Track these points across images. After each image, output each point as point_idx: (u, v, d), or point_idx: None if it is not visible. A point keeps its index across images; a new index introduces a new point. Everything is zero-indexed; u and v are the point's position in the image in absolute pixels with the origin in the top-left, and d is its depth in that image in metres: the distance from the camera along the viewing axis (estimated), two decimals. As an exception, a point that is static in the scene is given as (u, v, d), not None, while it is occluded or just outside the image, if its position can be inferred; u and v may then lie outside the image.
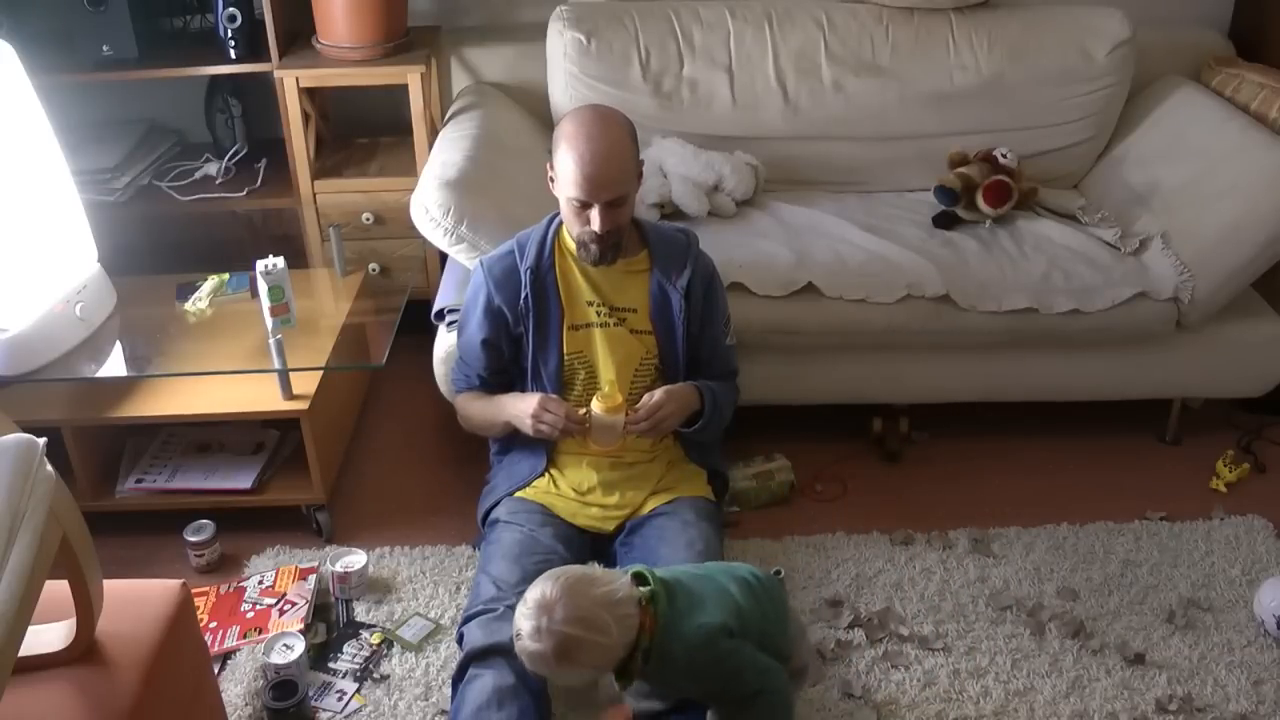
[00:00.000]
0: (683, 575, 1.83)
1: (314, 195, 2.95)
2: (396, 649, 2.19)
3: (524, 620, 1.70)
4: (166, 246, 2.98)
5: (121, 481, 2.49)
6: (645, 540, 2.14)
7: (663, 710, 1.94)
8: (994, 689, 2.09)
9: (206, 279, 2.68)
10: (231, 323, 2.57)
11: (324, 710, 2.07)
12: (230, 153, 3.09)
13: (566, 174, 2.06)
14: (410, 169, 2.92)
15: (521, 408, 2.18)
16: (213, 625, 2.23)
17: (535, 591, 1.71)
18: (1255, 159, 2.60)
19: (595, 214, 2.07)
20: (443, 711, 2.04)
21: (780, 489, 2.59)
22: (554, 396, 2.18)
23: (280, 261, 2.44)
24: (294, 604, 2.26)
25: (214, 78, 3.00)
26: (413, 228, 2.47)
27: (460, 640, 2.04)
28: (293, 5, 2.90)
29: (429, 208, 2.40)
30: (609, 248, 2.13)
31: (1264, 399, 2.77)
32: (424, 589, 2.33)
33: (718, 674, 1.75)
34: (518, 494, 2.25)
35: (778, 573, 1.90)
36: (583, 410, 2.14)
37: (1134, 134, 2.97)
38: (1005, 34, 2.92)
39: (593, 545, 2.24)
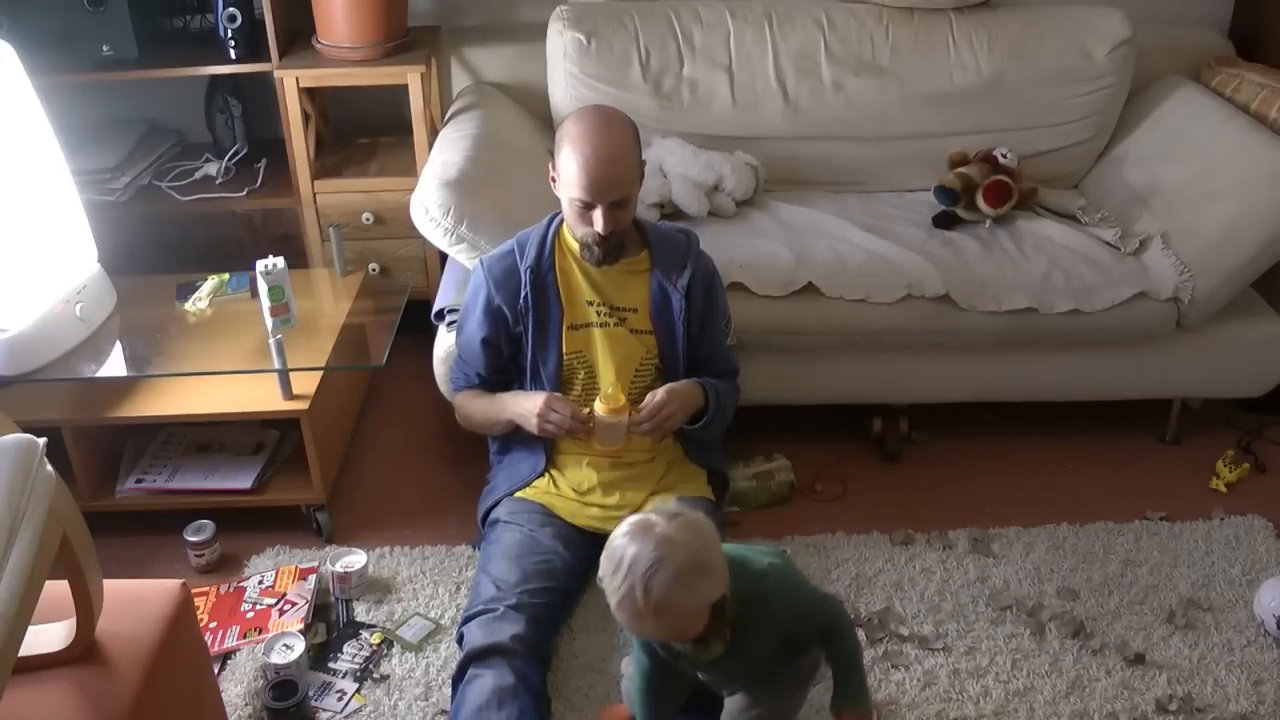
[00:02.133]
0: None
1: (314, 195, 2.95)
2: (396, 649, 2.19)
3: (634, 545, 1.53)
4: (166, 246, 2.98)
5: (121, 481, 2.49)
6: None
7: None
8: (994, 689, 2.09)
9: (206, 279, 2.68)
10: (231, 323, 2.57)
11: (324, 710, 2.07)
12: (230, 153, 3.09)
13: (570, 175, 2.06)
14: (410, 169, 2.92)
15: (527, 406, 2.18)
16: (213, 625, 2.23)
17: (627, 527, 1.56)
18: (1255, 159, 2.60)
19: (598, 215, 2.07)
20: (443, 711, 2.04)
21: (780, 489, 2.59)
22: (559, 395, 2.18)
23: (280, 261, 2.43)
24: (294, 604, 2.26)
25: (214, 78, 3.00)
26: (413, 228, 2.47)
27: (460, 640, 2.04)
28: (293, 5, 2.90)
29: (429, 208, 2.40)
30: (612, 248, 2.14)
31: (1264, 399, 2.77)
32: (424, 589, 2.33)
33: (794, 615, 1.69)
34: (518, 494, 2.26)
35: (784, 552, 1.88)
36: (586, 410, 2.14)
37: (1134, 134, 2.97)
38: (1005, 34, 2.92)
39: (593, 545, 2.24)
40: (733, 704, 1.85)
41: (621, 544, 1.56)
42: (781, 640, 1.72)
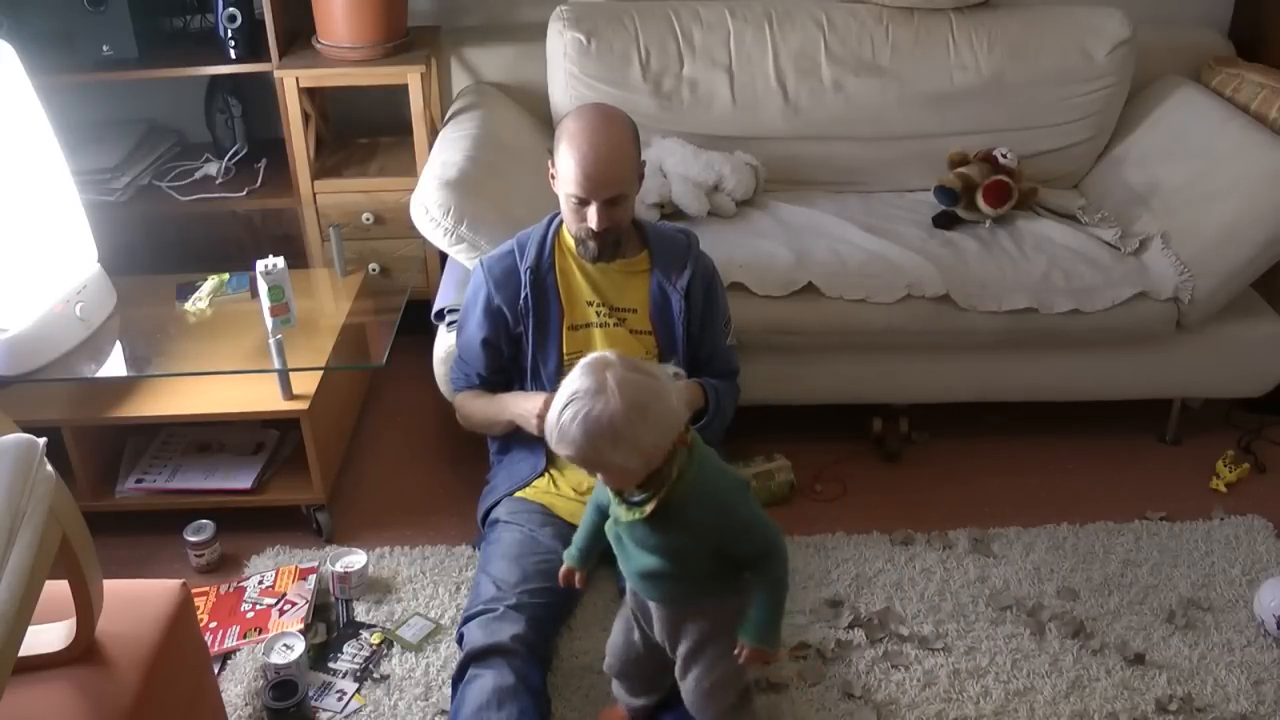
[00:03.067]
0: None
1: (314, 195, 2.95)
2: (396, 649, 2.19)
3: (577, 382, 1.55)
4: (166, 246, 2.98)
5: (121, 481, 2.49)
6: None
7: (654, 707, 1.96)
8: (994, 689, 2.09)
9: (206, 279, 2.68)
10: (231, 323, 2.57)
11: (324, 710, 2.07)
12: (230, 153, 3.09)
13: (566, 171, 2.07)
14: (410, 169, 2.92)
15: (527, 407, 2.18)
16: (213, 625, 2.23)
17: (580, 367, 1.58)
18: (1255, 159, 2.60)
19: (593, 211, 2.07)
20: (443, 711, 2.04)
21: (780, 489, 2.59)
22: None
23: (280, 261, 2.43)
24: (294, 604, 2.26)
25: (214, 78, 3.00)
26: (413, 228, 2.47)
27: (460, 640, 2.04)
28: (293, 5, 2.90)
29: (429, 208, 2.40)
30: (607, 245, 2.14)
31: (1264, 399, 2.77)
32: (424, 589, 2.33)
33: (735, 521, 1.66)
34: (518, 494, 2.26)
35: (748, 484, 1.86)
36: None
37: (1134, 134, 2.97)
38: (1005, 34, 2.92)
39: (593, 545, 2.25)
40: (685, 681, 1.84)
41: (575, 374, 1.59)
42: (715, 542, 1.67)
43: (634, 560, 1.74)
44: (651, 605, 1.81)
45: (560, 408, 1.57)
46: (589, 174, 2.04)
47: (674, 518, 1.64)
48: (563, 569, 1.88)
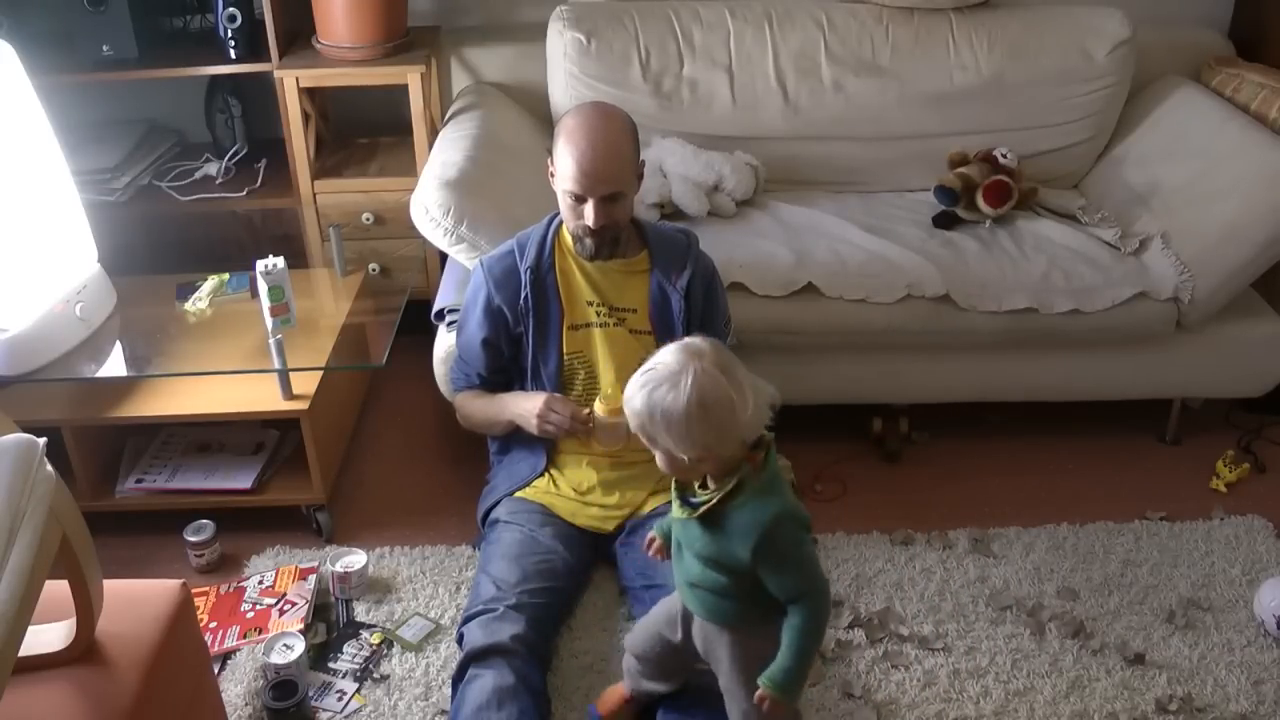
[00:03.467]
0: None
1: (314, 195, 2.95)
2: (396, 649, 2.19)
3: (667, 358, 1.60)
4: (166, 246, 2.98)
5: (121, 481, 2.49)
6: (646, 540, 2.14)
7: (660, 697, 1.96)
8: (994, 689, 2.09)
9: (206, 279, 2.68)
10: (231, 323, 2.57)
11: (324, 710, 2.07)
12: (230, 153, 3.09)
13: (564, 167, 2.07)
14: (410, 169, 2.92)
15: (527, 407, 2.18)
16: (213, 625, 2.23)
17: (677, 345, 1.62)
18: (1255, 159, 2.60)
19: (589, 209, 2.08)
20: (443, 711, 2.04)
21: (780, 489, 2.58)
22: (560, 395, 2.18)
23: (280, 261, 2.43)
24: (294, 604, 2.26)
25: (214, 78, 3.00)
26: (413, 228, 2.47)
27: (460, 640, 2.04)
28: (293, 5, 2.90)
29: (429, 208, 2.40)
30: (604, 243, 2.14)
31: (1264, 399, 2.77)
32: (424, 589, 2.33)
33: (782, 553, 1.65)
34: (518, 494, 2.26)
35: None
36: (586, 411, 2.14)
37: (1134, 134, 2.97)
38: (1005, 34, 2.92)
39: (593, 545, 2.25)
40: (729, 701, 1.84)
41: (670, 349, 1.63)
42: (752, 564, 1.65)
43: (685, 567, 1.75)
44: (695, 619, 1.81)
45: (641, 374, 1.62)
46: (586, 170, 2.05)
47: (719, 525, 1.66)
48: (651, 534, 1.88)
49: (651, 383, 1.60)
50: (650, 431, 1.62)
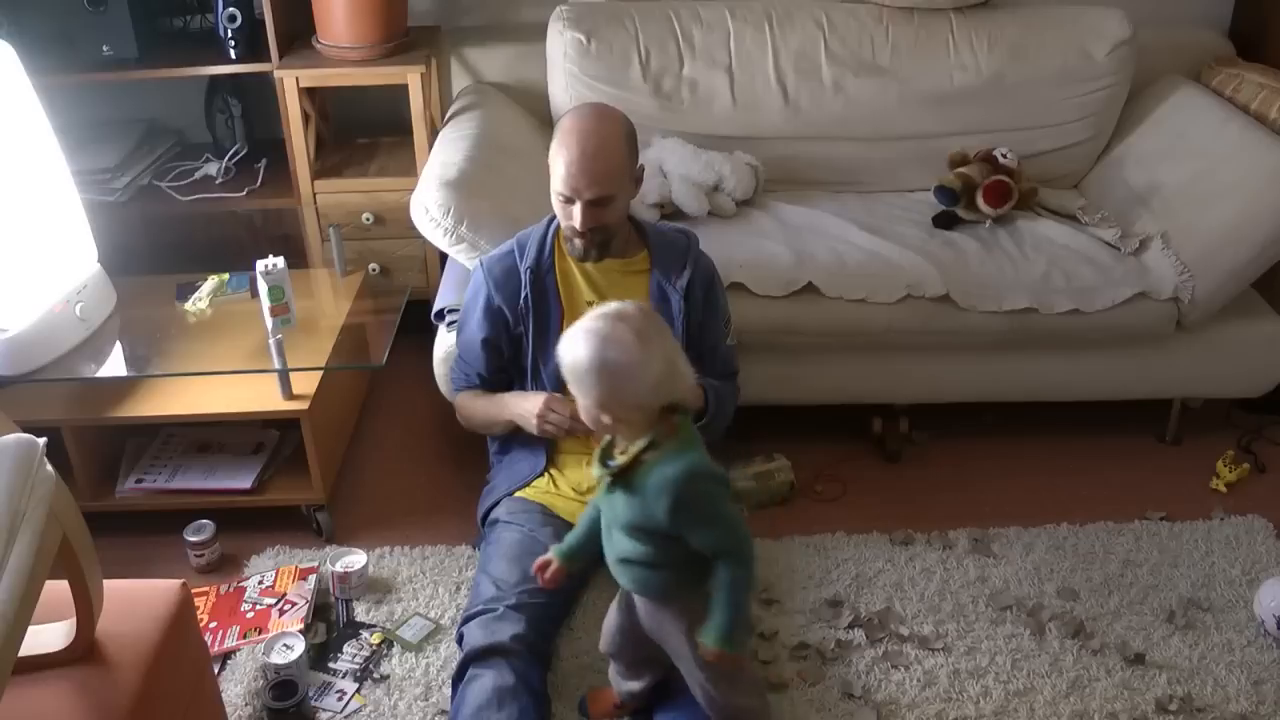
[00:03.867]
0: None
1: (314, 195, 2.95)
2: (396, 649, 2.19)
3: (589, 320, 1.67)
4: (166, 246, 2.98)
5: (121, 481, 2.49)
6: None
7: (643, 692, 1.96)
8: (994, 689, 2.09)
9: (206, 279, 2.68)
10: (231, 323, 2.58)
11: (324, 710, 2.07)
12: (230, 153, 3.09)
13: (555, 169, 2.08)
14: (410, 169, 2.92)
15: (526, 407, 2.18)
16: (213, 625, 2.23)
17: (603, 308, 1.70)
18: (1255, 159, 2.60)
19: (577, 210, 2.08)
20: (443, 711, 2.04)
21: (780, 489, 2.59)
22: (559, 395, 2.18)
23: (280, 261, 2.44)
24: (294, 604, 2.26)
25: (214, 78, 3.00)
26: (413, 228, 2.47)
27: (460, 640, 2.04)
28: (293, 5, 2.90)
29: (429, 208, 2.40)
30: (593, 245, 2.14)
31: (1264, 399, 2.77)
32: (424, 589, 2.33)
33: (698, 509, 1.67)
34: (517, 494, 2.26)
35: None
36: (586, 410, 2.14)
37: (1134, 134, 2.97)
38: (1005, 34, 2.92)
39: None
40: (691, 684, 1.85)
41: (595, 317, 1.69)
42: (671, 524, 1.66)
43: (614, 544, 1.77)
44: (635, 598, 1.83)
45: (569, 330, 1.69)
46: (574, 173, 2.05)
47: (636, 486, 1.68)
48: (541, 558, 1.88)
49: (570, 337, 1.67)
50: (570, 383, 1.69)
